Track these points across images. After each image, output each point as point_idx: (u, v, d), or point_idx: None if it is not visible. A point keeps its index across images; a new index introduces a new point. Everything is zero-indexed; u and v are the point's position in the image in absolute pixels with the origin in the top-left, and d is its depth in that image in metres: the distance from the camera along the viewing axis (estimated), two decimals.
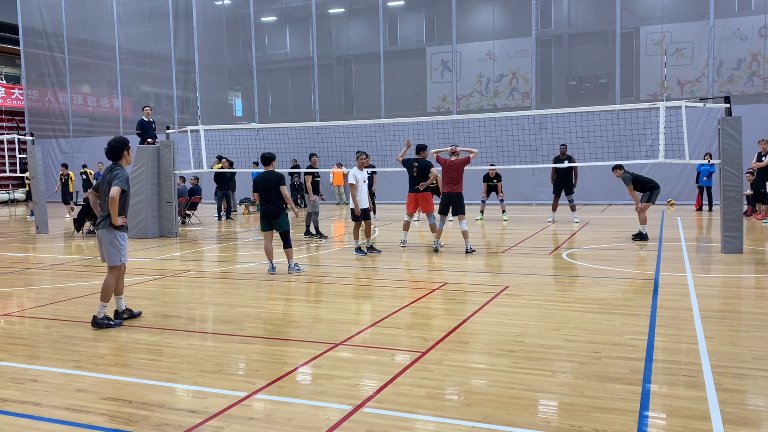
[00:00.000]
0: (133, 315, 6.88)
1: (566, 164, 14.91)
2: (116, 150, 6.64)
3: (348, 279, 9.25)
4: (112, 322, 6.57)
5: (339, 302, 7.63)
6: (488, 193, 16.97)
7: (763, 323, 6.13)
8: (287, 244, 9.61)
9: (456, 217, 11.24)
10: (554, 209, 16.12)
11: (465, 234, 11.13)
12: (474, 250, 11.10)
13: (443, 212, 11.24)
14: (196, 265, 10.74)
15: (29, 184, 20.97)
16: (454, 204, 11.10)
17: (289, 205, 9.48)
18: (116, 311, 6.82)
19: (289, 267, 9.57)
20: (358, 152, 11.36)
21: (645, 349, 5.36)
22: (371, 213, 12.28)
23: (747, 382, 4.58)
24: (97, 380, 4.91)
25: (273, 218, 9.48)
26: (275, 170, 9.57)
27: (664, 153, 11.12)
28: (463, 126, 20.12)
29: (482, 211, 17.14)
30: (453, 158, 11.21)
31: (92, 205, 6.88)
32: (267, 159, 9.66)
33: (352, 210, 11.03)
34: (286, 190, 9.33)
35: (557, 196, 15.76)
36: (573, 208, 15.67)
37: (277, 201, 9.40)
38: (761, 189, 15.51)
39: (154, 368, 5.18)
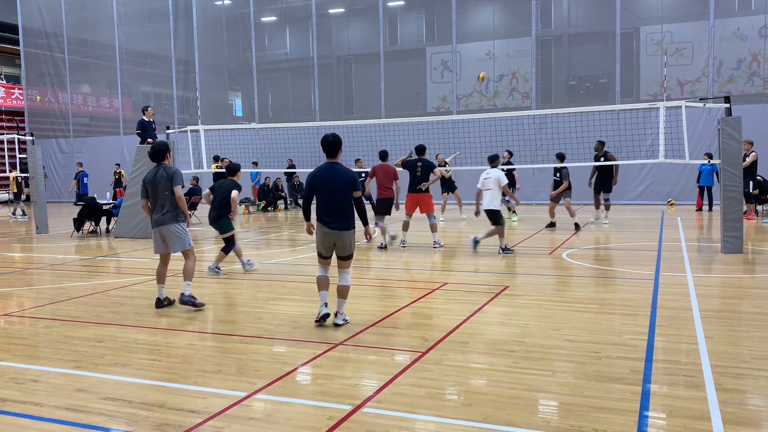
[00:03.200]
0: (170, 302, 7.45)
1: (603, 162, 14.36)
2: (160, 152, 7.26)
3: None
4: (196, 301, 7.21)
5: None
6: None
7: (763, 323, 6.13)
8: (225, 248, 9.70)
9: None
10: (597, 207, 15.53)
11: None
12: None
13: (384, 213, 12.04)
14: (195, 264, 10.72)
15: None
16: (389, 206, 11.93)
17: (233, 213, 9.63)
18: (158, 298, 7.37)
19: (209, 267, 9.70)
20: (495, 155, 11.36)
21: (645, 349, 5.36)
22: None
23: (747, 382, 4.59)
24: (97, 380, 4.91)
25: (214, 223, 9.70)
26: (236, 180, 9.75)
27: (664, 153, 11.13)
28: (463, 126, 20.10)
29: (512, 210, 16.94)
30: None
31: (143, 208, 7.48)
32: (232, 170, 9.84)
33: (495, 212, 10.75)
34: (235, 195, 9.46)
35: (597, 193, 15.28)
36: (607, 207, 15.19)
37: (220, 206, 9.55)
38: (745, 189, 15.55)
39: (154, 368, 5.19)
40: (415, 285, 8.74)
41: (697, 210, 18.52)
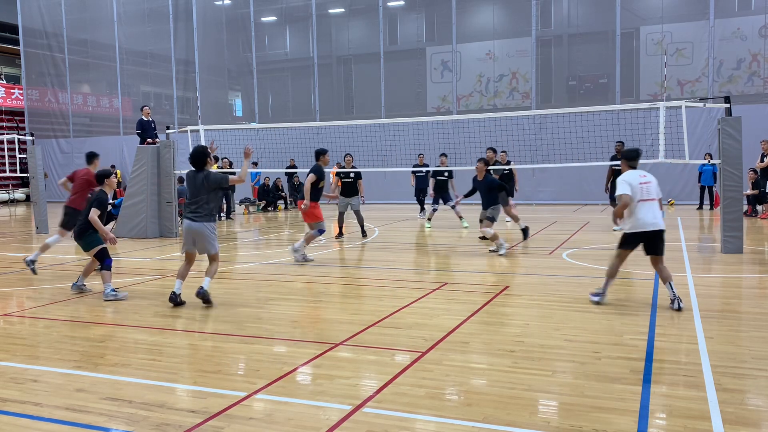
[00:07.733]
0: (182, 303, 7.42)
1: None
2: (201, 157, 7.48)
3: (348, 279, 9.25)
4: (209, 297, 7.37)
5: (339, 302, 7.63)
6: None
7: (763, 323, 6.13)
8: (102, 265, 8.03)
9: None
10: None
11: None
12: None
13: None
14: (195, 264, 10.72)
15: None
16: None
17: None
18: (173, 292, 7.37)
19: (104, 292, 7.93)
20: None
21: (645, 349, 5.36)
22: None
23: (747, 382, 4.58)
24: (97, 380, 4.91)
25: (78, 239, 8.13)
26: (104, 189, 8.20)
27: (664, 153, 11.12)
28: (463, 126, 20.10)
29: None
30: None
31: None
32: (101, 177, 8.22)
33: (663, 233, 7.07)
34: (94, 215, 7.83)
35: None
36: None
37: (84, 219, 8.01)
38: (761, 188, 15.55)
39: (154, 368, 5.18)
40: (415, 285, 8.74)
41: (698, 209, 18.55)
